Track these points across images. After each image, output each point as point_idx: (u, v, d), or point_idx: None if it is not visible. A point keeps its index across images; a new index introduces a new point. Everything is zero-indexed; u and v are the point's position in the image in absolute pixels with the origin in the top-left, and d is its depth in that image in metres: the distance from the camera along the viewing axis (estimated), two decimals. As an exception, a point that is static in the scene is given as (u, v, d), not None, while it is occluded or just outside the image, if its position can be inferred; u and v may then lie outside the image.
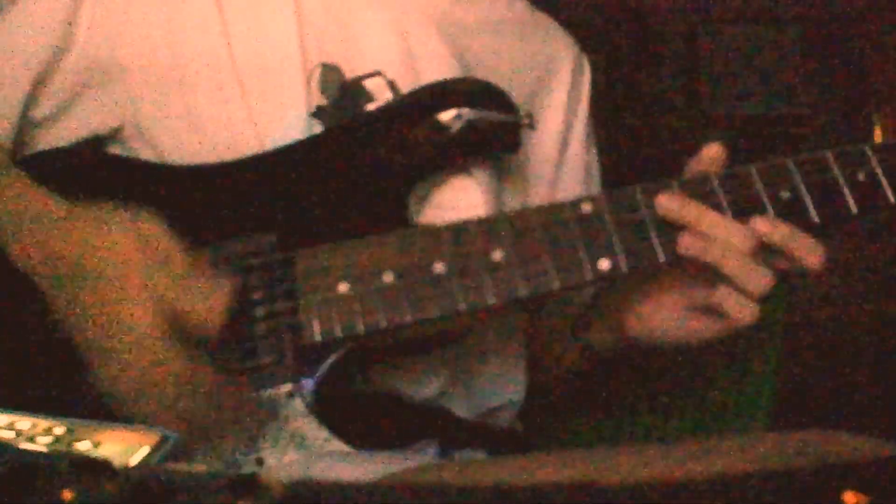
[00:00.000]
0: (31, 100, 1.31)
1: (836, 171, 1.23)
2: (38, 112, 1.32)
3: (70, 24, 1.30)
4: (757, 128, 3.13)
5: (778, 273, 1.21)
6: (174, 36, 1.32)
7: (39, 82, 1.31)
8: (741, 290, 1.20)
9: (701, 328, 1.27)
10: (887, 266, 2.90)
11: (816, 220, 1.22)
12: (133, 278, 1.10)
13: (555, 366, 1.47)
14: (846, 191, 1.22)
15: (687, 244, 1.20)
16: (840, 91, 3.14)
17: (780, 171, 1.23)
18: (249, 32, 1.33)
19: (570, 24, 1.57)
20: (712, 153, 1.25)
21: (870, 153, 1.24)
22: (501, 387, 1.41)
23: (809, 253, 1.20)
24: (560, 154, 1.48)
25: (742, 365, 1.62)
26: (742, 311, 1.20)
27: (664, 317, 1.29)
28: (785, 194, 1.22)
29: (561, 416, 1.58)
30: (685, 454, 1.06)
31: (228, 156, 1.29)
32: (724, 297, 1.20)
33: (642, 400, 1.63)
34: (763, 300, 1.21)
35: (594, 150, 1.54)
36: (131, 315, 1.09)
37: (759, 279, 1.19)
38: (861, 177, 1.23)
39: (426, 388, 1.33)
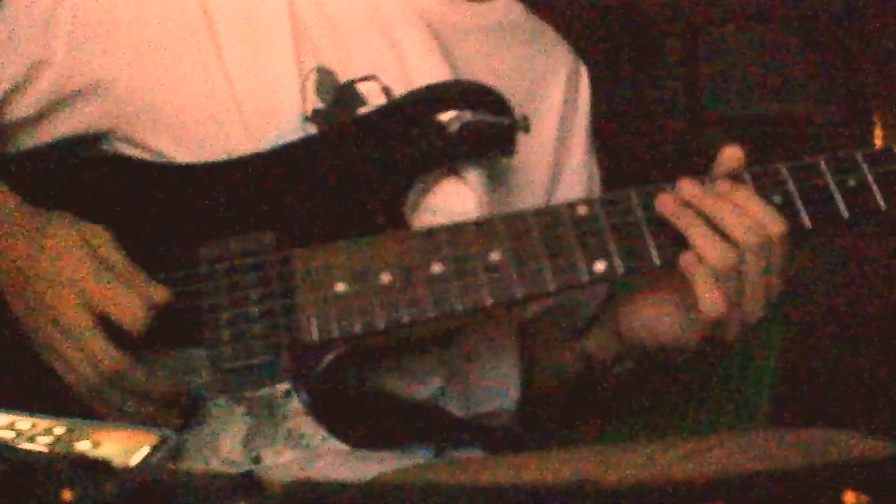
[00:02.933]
0: (3, 101, 1.31)
1: (828, 176, 1.23)
2: (14, 113, 1.32)
3: (47, 30, 1.30)
4: (757, 128, 3.13)
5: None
6: (164, 43, 1.32)
7: (13, 91, 1.31)
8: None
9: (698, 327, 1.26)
10: (887, 264, 2.90)
11: (808, 224, 1.22)
12: (64, 277, 1.17)
13: (552, 372, 1.47)
14: (838, 196, 1.23)
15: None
16: (840, 91, 3.13)
17: (772, 176, 1.24)
18: (242, 40, 1.33)
19: (569, 26, 1.57)
20: (729, 154, 1.25)
21: (860, 160, 1.24)
22: (496, 393, 1.41)
23: (771, 220, 1.19)
24: (558, 159, 1.48)
25: (742, 364, 1.62)
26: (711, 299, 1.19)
27: (666, 319, 1.29)
28: (777, 199, 1.22)
29: (560, 416, 1.58)
30: (685, 453, 1.06)
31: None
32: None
33: (642, 399, 1.63)
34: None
35: (594, 158, 1.54)
36: (64, 313, 1.16)
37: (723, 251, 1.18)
38: (852, 182, 1.23)
39: (423, 389, 1.33)
